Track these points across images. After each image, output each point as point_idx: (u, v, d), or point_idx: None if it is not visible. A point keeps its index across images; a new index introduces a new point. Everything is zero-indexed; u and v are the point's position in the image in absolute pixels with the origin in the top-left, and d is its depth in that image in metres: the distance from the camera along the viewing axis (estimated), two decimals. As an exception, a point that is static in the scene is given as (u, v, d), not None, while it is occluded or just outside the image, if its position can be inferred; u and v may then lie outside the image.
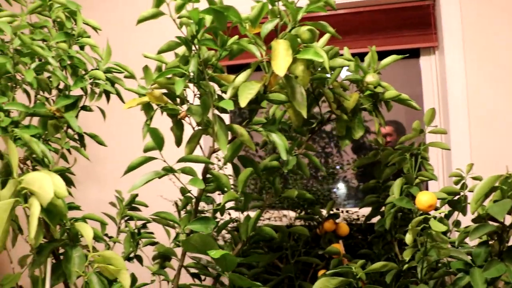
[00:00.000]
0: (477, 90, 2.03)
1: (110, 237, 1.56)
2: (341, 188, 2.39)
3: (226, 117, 2.37)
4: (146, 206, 1.58)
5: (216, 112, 1.09)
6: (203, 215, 1.16)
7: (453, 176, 1.33)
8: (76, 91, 1.21)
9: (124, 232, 1.52)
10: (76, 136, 1.29)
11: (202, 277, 1.48)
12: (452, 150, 2.02)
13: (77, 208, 1.23)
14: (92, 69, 1.22)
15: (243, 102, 0.96)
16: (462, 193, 1.32)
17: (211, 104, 1.05)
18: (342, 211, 1.91)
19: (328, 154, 2.49)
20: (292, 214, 2.03)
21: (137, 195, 1.55)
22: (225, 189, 1.12)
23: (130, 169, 1.08)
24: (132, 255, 1.53)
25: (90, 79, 1.23)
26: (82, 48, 1.29)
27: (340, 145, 1.28)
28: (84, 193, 2.34)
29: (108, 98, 1.30)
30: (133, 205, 1.58)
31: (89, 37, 1.26)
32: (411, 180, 1.33)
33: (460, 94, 2.05)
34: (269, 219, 2.08)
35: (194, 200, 1.17)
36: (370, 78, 1.23)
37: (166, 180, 1.39)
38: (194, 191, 1.19)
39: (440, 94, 2.19)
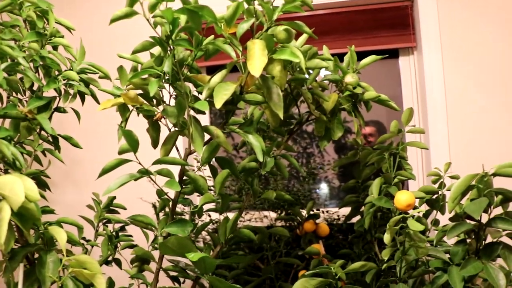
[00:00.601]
0: (455, 90, 2.05)
1: (88, 241, 1.53)
2: (322, 189, 2.39)
3: (206, 118, 2.36)
4: (124, 208, 1.56)
5: (192, 113, 1.07)
6: (180, 217, 1.14)
7: (431, 175, 1.34)
8: (50, 93, 1.18)
9: (102, 235, 1.50)
10: (50, 139, 1.25)
11: (182, 279, 1.46)
12: (431, 150, 2.04)
13: (51, 211, 1.21)
14: (66, 70, 1.20)
15: (218, 103, 0.95)
16: (440, 192, 1.33)
17: (186, 105, 1.03)
18: (323, 212, 1.91)
19: (309, 154, 2.49)
20: (273, 215, 2.03)
21: (114, 197, 1.52)
22: (202, 191, 1.11)
23: (105, 171, 1.06)
24: (110, 258, 1.50)
25: (64, 80, 1.20)
26: (55, 48, 1.26)
27: (320, 146, 1.27)
28: (63, 196, 2.31)
29: (82, 100, 1.28)
30: (111, 207, 1.56)
31: (62, 37, 1.23)
32: (389, 180, 1.33)
33: (439, 93, 2.06)
34: (249, 220, 2.07)
35: (171, 203, 1.16)
36: (349, 78, 1.22)
37: (146, 182, 1.38)
38: (172, 193, 1.18)
39: (419, 94, 2.20)
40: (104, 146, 2.03)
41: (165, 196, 1.17)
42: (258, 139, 1.03)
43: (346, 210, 1.67)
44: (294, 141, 2.51)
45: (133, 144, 1.02)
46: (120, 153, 1.10)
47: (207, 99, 1.02)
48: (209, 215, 1.83)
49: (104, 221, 1.54)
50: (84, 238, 1.54)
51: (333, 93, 1.25)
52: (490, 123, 1.99)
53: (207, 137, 1.10)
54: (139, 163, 1.06)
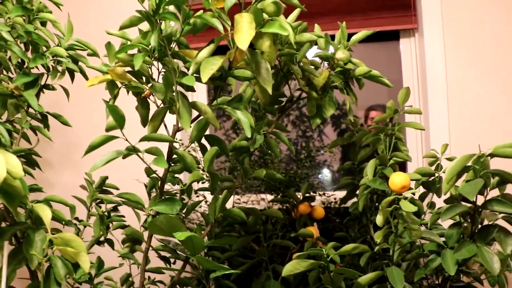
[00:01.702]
0: (456, 72, 2.00)
1: (81, 221, 1.52)
2: (321, 172, 2.37)
3: (204, 99, 2.33)
4: (117, 188, 1.54)
5: (181, 89, 1.05)
6: (169, 196, 1.12)
7: (428, 157, 1.31)
8: (38, 70, 1.16)
9: (94, 215, 1.49)
10: (38, 116, 1.23)
11: (172, 260, 1.45)
12: (431, 131, 2.00)
13: (39, 189, 1.19)
14: (54, 46, 1.17)
15: (204, 78, 0.92)
16: (436, 174, 1.30)
17: (173, 81, 1.00)
18: (319, 194, 1.88)
19: (309, 138, 2.46)
20: (270, 197, 2.01)
21: (107, 177, 1.51)
22: (191, 169, 1.08)
23: (91, 148, 1.03)
24: (102, 238, 1.49)
25: (53, 56, 1.17)
26: (44, 24, 1.23)
27: (312, 124, 1.24)
28: (60, 176, 2.30)
29: (72, 77, 1.25)
30: (104, 188, 1.54)
31: (50, 12, 1.20)
32: (385, 161, 1.30)
33: (439, 75, 2.02)
34: (246, 202, 2.06)
35: (159, 181, 1.14)
36: (340, 54, 1.19)
37: (141, 162, 1.36)
38: (161, 172, 1.15)
39: (420, 76, 2.16)
40: (103, 126, 2.01)
41: (154, 175, 1.15)
42: (246, 115, 1.00)
43: (341, 193, 1.65)
44: (293, 125, 2.48)
45: (119, 120, 1.00)
46: (107, 130, 1.08)
47: (195, 74, 0.99)
48: (204, 196, 1.82)
49: (97, 201, 1.53)
50: (77, 218, 1.53)
51: (324, 70, 1.21)
52: (491, 105, 1.95)
53: (195, 114, 1.07)
54: (126, 140, 1.03)
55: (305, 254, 1.13)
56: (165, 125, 1.11)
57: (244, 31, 0.90)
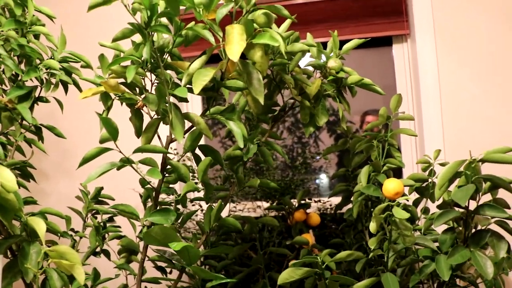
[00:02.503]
0: (449, 77, 2.02)
1: (76, 232, 1.52)
2: (317, 178, 2.37)
3: (198, 109, 2.34)
4: (113, 199, 1.54)
5: (175, 100, 1.05)
6: (164, 207, 1.12)
7: (421, 163, 1.31)
8: (32, 83, 1.16)
9: (90, 226, 1.49)
10: (32, 128, 1.24)
11: (168, 270, 1.45)
12: (425, 137, 2.01)
13: (34, 202, 1.19)
14: (47, 59, 1.18)
15: (196, 89, 0.93)
16: (430, 180, 1.31)
17: (166, 92, 1.01)
18: (315, 201, 1.89)
19: (304, 144, 2.47)
20: (266, 205, 2.01)
21: (102, 188, 1.51)
22: (185, 179, 1.09)
23: (85, 161, 1.04)
24: (98, 249, 1.49)
25: (46, 69, 1.18)
26: (37, 37, 1.24)
27: (305, 132, 1.25)
28: (55, 187, 2.30)
29: (66, 89, 1.26)
30: (100, 198, 1.54)
31: (43, 25, 1.21)
32: (378, 168, 1.31)
33: (432, 81, 2.03)
34: (242, 210, 2.06)
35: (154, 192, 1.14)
36: (332, 63, 1.20)
37: (136, 173, 1.36)
38: (155, 182, 1.16)
39: (413, 81, 2.17)
40: (97, 137, 2.02)
41: (148, 186, 1.16)
42: (239, 125, 1.01)
43: (337, 200, 1.65)
44: (289, 131, 2.49)
45: (112, 132, 1.01)
46: (101, 141, 1.08)
47: (188, 85, 1.00)
48: (200, 205, 1.82)
49: (93, 212, 1.53)
50: (72, 230, 1.53)
51: (317, 79, 1.22)
52: (484, 110, 1.97)
53: (188, 124, 1.08)
54: (120, 152, 1.04)
55: (300, 262, 1.13)
56: (158, 136, 1.12)
57: (235, 42, 0.91)
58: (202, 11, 0.98)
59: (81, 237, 1.51)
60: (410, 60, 2.18)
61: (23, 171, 1.31)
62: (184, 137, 1.05)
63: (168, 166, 1.12)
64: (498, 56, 1.96)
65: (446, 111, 2.00)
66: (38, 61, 1.19)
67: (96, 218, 1.54)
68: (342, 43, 1.27)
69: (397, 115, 1.36)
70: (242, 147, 1.00)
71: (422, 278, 1.09)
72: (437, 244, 1.14)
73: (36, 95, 1.21)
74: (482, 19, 1.98)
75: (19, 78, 1.17)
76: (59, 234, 1.28)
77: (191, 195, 2.14)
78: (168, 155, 1.11)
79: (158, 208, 1.13)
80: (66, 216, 1.51)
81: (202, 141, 1.13)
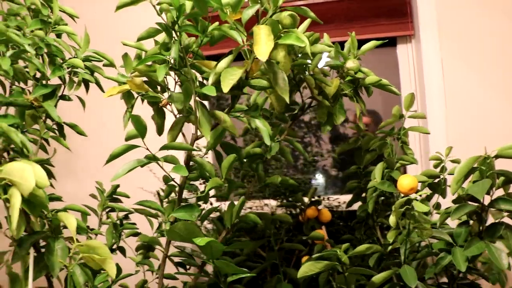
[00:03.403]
0: (453, 77, 2.06)
1: (92, 229, 1.54)
2: (319, 178, 2.41)
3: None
4: (128, 197, 1.56)
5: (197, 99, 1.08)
6: (187, 203, 1.15)
7: (433, 160, 1.35)
8: (54, 81, 1.18)
9: (106, 223, 1.51)
10: (54, 127, 1.26)
11: (187, 266, 1.48)
12: (430, 136, 2.06)
13: (58, 199, 1.21)
14: (70, 58, 1.20)
15: (225, 88, 0.96)
16: (441, 176, 1.35)
17: (193, 91, 1.04)
18: (324, 198, 1.92)
19: (307, 144, 2.51)
20: (273, 203, 2.04)
21: (118, 185, 1.53)
22: (209, 176, 1.12)
23: (113, 157, 1.06)
24: (114, 246, 1.52)
25: (68, 68, 1.20)
26: (59, 36, 1.26)
27: (322, 131, 1.28)
28: (63, 186, 2.31)
29: (87, 88, 1.28)
30: (114, 196, 1.56)
31: (66, 25, 1.23)
32: (392, 165, 1.35)
33: (437, 81, 2.08)
34: (251, 208, 2.09)
35: (177, 188, 1.17)
36: (351, 63, 1.23)
37: (144, 172, 1.37)
38: (177, 179, 1.18)
39: (417, 81, 2.22)
40: (102, 136, 2.04)
41: (172, 182, 1.18)
42: (264, 124, 1.04)
43: (345, 197, 1.69)
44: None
45: (141, 129, 1.03)
46: (127, 139, 1.10)
47: (213, 84, 1.03)
48: (211, 203, 1.85)
49: (107, 209, 1.55)
50: (88, 227, 1.54)
51: (335, 78, 1.26)
52: (487, 110, 2.01)
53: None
54: (147, 149, 1.07)
55: (320, 255, 1.17)
56: (183, 133, 1.15)
57: (263, 43, 0.94)
58: (229, 11, 1.01)
59: (96, 234, 1.53)
60: (415, 60, 2.23)
61: (44, 169, 1.33)
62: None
63: (191, 163, 1.15)
64: (502, 56, 2.01)
65: (451, 111, 2.04)
66: (61, 60, 1.21)
67: (110, 215, 1.56)
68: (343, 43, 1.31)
69: (409, 114, 1.40)
70: (268, 144, 1.03)
71: (437, 270, 1.13)
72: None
73: (59, 94, 1.23)
74: (486, 19, 2.03)
75: (43, 76, 1.19)
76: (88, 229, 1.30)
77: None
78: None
79: (182, 204, 1.15)
80: (83, 214, 1.53)
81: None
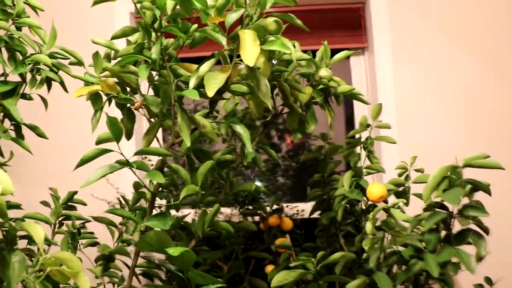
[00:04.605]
0: (405, 90, 2.14)
1: (45, 239, 1.44)
2: (277, 184, 2.41)
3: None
4: (85, 204, 1.48)
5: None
6: (160, 211, 1.10)
7: (399, 169, 1.39)
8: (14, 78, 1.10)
9: (61, 233, 1.41)
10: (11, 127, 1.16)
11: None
12: (382, 147, 2.11)
13: (17, 206, 1.12)
14: (34, 54, 1.11)
15: (210, 92, 0.93)
16: (406, 184, 1.39)
17: (172, 94, 1.00)
18: (286, 206, 1.92)
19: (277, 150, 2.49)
20: (227, 211, 2.01)
21: (76, 192, 1.44)
22: (185, 182, 1.08)
23: (83, 162, 0.99)
24: (70, 258, 1.42)
25: (29, 64, 1.12)
26: (19, 29, 1.16)
27: (294, 139, 1.28)
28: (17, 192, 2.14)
29: (49, 87, 1.20)
30: (70, 203, 1.47)
31: (28, 17, 1.15)
32: (359, 173, 1.37)
33: (388, 94, 2.15)
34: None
35: (149, 196, 1.11)
36: (324, 72, 1.24)
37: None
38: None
39: (370, 93, 2.28)
40: (60, 138, 1.92)
41: (143, 189, 1.13)
42: (245, 130, 1.02)
43: (303, 205, 1.69)
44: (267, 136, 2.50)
45: (117, 133, 0.98)
46: (98, 142, 1.04)
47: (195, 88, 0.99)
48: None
49: (61, 218, 1.46)
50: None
51: (308, 86, 1.26)
52: (437, 123, 2.11)
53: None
54: (121, 153, 1.01)
55: (294, 264, 1.16)
56: (157, 138, 1.10)
57: (249, 47, 0.92)
58: (214, 14, 0.98)
59: (50, 245, 1.43)
60: (368, 72, 2.29)
61: None
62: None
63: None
64: (452, 70, 2.12)
65: (401, 123, 2.11)
66: (21, 56, 1.12)
67: (62, 224, 1.47)
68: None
69: (375, 123, 1.43)
70: (250, 150, 1.00)
71: (410, 275, 1.16)
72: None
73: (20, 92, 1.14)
74: (437, 35, 2.14)
75: (1, 73, 1.10)
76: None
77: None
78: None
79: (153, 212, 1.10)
80: (46, 221, 1.42)
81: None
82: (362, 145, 1.42)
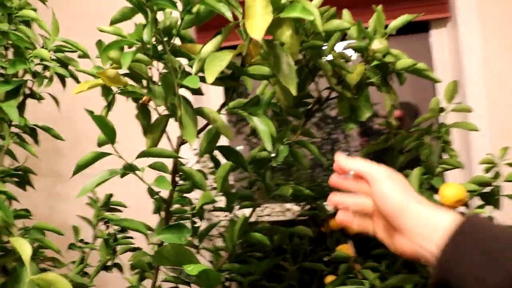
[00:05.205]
0: (496, 66, 1.79)
1: (86, 243, 1.36)
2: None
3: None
4: (125, 206, 1.38)
5: (187, 92, 0.86)
6: (177, 222, 0.94)
7: (484, 163, 1.09)
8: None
9: (100, 237, 1.32)
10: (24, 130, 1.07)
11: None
12: (471, 134, 1.78)
13: (26, 216, 1.02)
14: (37, 49, 1.00)
15: (210, 77, 0.74)
16: (495, 184, 1.08)
17: (174, 83, 0.82)
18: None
19: (334, 141, 2.27)
20: (296, 207, 1.82)
21: (111, 195, 1.35)
22: (201, 188, 0.90)
23: (80, 168, 0.86)
24: (110, 263, 1.33)
25: (35, 60, 1.01)
26: (28, 24, 1.06)
27: (345, 129, 1.05)
28: (74, 191, 2.15)
29: (63, 83, 1.09)
30: (110, 206, 1.38)
31: (35, 10, 1.04)
32: (432, 170, 1.09)
33: (477, 71, 1.81)
34: (269, 214, 1.87)
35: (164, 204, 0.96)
36: (377, 44, 0.99)
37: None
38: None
39: (454, 70, 1.94)
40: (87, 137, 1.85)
41: (157, 196, 0.97)
42: (265, 122, 0.82)
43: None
44: (317, 127, 2.28)
45: (108, 132, 0.82)
46: (99, 144, 0.90)
47: (200, 74, 0.81)
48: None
49: (104, 220, 1.37)
50: (82, 241, 1.37)
51: (359, 64, 1.02)
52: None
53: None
54: (120, 157, 0.86)
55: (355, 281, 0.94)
56: (168, 137, 0.93)
57: (258, 16, 0.72)
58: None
59: (91, 249, 1.35)
60: (452, 46, 1.94)
61: (19, 178, 1.15)
62: (198, 137, 0.87)
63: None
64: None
65: (493, 104, 1.77)
66: (28, 51, 1.02)
67: (107, 227, 1.38)
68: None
69: (451, 106, 1.14)
70: (269, 150, 0.80)
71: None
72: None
73: (28, 91, 1.04)
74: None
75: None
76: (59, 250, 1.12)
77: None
78: (181, 159, 0.92)
79: (169, 223, 0.94)
80: (74, 227, 1.36)
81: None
82: (435, 134, 1.14)
